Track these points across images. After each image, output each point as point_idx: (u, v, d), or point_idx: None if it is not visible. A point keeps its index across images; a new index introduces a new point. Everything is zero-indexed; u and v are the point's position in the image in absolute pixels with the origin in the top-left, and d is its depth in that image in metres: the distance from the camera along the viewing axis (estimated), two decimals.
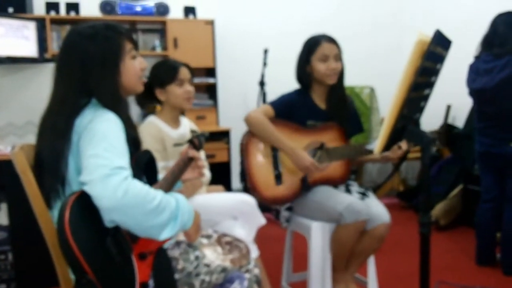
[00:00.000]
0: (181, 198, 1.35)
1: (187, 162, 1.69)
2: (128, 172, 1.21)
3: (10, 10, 3.65)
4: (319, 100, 2.35)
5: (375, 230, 2.18)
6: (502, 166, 2.86)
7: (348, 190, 2.33)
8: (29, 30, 2.99)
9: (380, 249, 2.31)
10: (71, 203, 1.17)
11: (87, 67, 1.37)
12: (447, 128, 4.36)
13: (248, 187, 2.23)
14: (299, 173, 2.23)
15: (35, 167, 1.41)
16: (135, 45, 1.49)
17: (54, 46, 3.96)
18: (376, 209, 2.20)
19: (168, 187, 1.59)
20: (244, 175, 2.24)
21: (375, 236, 2.18)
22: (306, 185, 2.21)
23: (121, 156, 1.24)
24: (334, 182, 2.29)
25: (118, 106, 1.39)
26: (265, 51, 4.24)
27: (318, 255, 2.23)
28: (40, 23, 3.08)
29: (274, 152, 2.24)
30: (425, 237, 1.52)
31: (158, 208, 1.23)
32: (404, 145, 2.12)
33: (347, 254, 2.20)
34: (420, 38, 1.40)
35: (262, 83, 4.27)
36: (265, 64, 4.25)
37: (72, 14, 3.96)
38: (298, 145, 2.26)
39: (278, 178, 2.25)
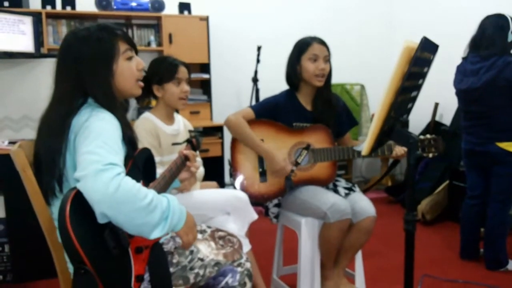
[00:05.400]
0: (173, 199, 1.36)
1: (184, 160, 1.74)
2: (121, 169, 1.23)
3: (6, 4, 3.64)
4: (305, 101, 2.41)
5: (361, 223, 2.24)
6: (486, 164, 2.93)
7: (335, 186, 2.40)
8: (25, 24, 3.00)
9: (368, 243, 2.37)
10: (72, 197, 1.21)
11: (80, 68, 1.41)
12: (435, 125, 4.45)
13: (235, 183, 2.33)
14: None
15: (34, 165, 1.44)
16: (132, 46, 1.51)
17: (50, 41, 3.97)
18: (362, 204, 2.27)
19: (165, 184, 1.64)
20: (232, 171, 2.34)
21: (362, 229, 2.25)
22: (289, 184, 2.27)
23: (115, 154, 1.26)
24: (319, 183, 2.34)
25: (113, 106, 1.41)
26: (259, 48, 4.28)
27: (308, 249, 2.30)
28: (37, 17, 3.10)
29: None
30: (410, 234, 1.57)
31: (150, 206, 1.24)
32: (398, 150, 2.19)
33: (335, 251, 2.26)
34: (407, 44, 1.40)
35: (255, 80, 4.32)
36: (258, 61, 4.30)
37: (68, 8, 3.97)
38: (284, 145, 2.33)
39: (263, 175, 2.34)
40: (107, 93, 1.43)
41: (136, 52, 1.54)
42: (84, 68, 1.41)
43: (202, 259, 1.59)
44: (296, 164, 2.26)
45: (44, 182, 1.40)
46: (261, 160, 2.34)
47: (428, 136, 2.13)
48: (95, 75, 1.41)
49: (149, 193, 1.26)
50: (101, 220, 1.24)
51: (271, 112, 2.36)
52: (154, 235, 1.27)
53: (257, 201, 2.34)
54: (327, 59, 2.33)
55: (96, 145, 1.24)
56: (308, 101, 2.42)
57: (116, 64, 1.44)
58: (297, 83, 2.38)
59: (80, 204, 1.22)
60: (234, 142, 2.38)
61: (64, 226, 1.18)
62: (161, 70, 2.24)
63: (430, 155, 2.12)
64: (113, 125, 1.35)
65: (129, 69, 1.48)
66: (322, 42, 2.34)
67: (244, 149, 2.36)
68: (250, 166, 2.35)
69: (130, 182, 1.22)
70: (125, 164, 1.38)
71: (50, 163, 1.36)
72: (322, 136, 2.33)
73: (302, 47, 2.34)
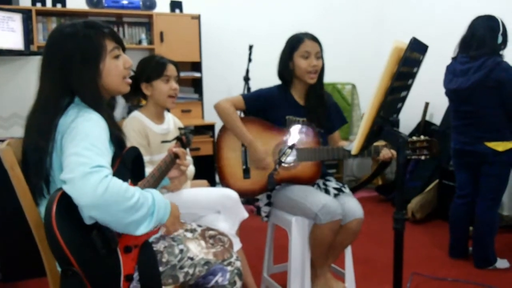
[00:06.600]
0: (156, 193, 1.37)
1: (174, 158, 1.74)
2: (108, 170, 1.23)
3: None
4: (298, 96, 2.42)
5: (349, 225, 2.25)
6: (475, 164, 2.95)
7: (325, 186, 2.40)
8: (15, 22, 2.98)
9: (358, 241, 2.38)
10: (58, 198, 1.20)
11: (66, 66, 1.38)
12: (425, 125, 4.48)
13: (219, 179, 2.35)
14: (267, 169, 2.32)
15: (22, 164, 1.43)
16: (120, 44, 1.48)
17: (40, 38, 3.94)
18: (350, 205, 2.27)
19: (155, 183, 1.63)
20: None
21: (349, 231, 2.26)
22: (271, 182, 2.27)
23: (102, 155, 1.25)
24: (302, 182, 2.34)
25: (100, 106, 1.39)
26: (250, 47, 4.29)
27: (298, 248, 2.30)
28: (26, 15, 3.08)
29: (244, 147, 2.34)
30: (399, 233, 1.58)
31: (136, 205, 1.25)
32: (385, 153, 2.20)
33: (325, 251, 2.27)
34: (396, 45, 1.41)
35: (246, 78, 4.33)
36: (250, 59, 4.30)
37: (59, 6, 3.94)
38: (269, 142, 2.33)
39: (246, 172, 2.35)
40: (94, 93, 1.40)
41: (124, 49, 1.52)
42: (70, 67, 1.38)
43: (192, 258, 1.59)
44: (280, 162, 2.25)
45: (32, 182, 1.39)
46: (245, 157, 2.35)
47: (422, 137, 2.12)
48: (81, 74, 1.39)
49: (136, 192, 1.27)
50: (88, 221, 1.24)
51: (263, 104, 2.36)
52: (140, 231, 1.28)
53: (241, 197, 2.35)
54: (319, 56, 2.33)
55: (84, 146, 1.23)
56: (301, 96, 2.42)
57: (103, 63, 1.42)
58: (289, 79, 2.39)
59: (66, 205, 1.21)
60: (219, 139, 2.38)
61: (50, 228, 1.18)
62: (150, 68, 2.24)
63: (422, 157, 2.11)
64: (100, 125, 1.34)
65: (116, 68, 1.45)
66: (314, 38, 2.34)
67: (228, 146, 2.36)
68: (235, 163, 2.36)
69: (117, 182, 1.23)
70: (113, 163, 1.38)
71: (37, 163, 1.35)
72: (308, 136, 2.33)
73: (293, 44, 2.34)
